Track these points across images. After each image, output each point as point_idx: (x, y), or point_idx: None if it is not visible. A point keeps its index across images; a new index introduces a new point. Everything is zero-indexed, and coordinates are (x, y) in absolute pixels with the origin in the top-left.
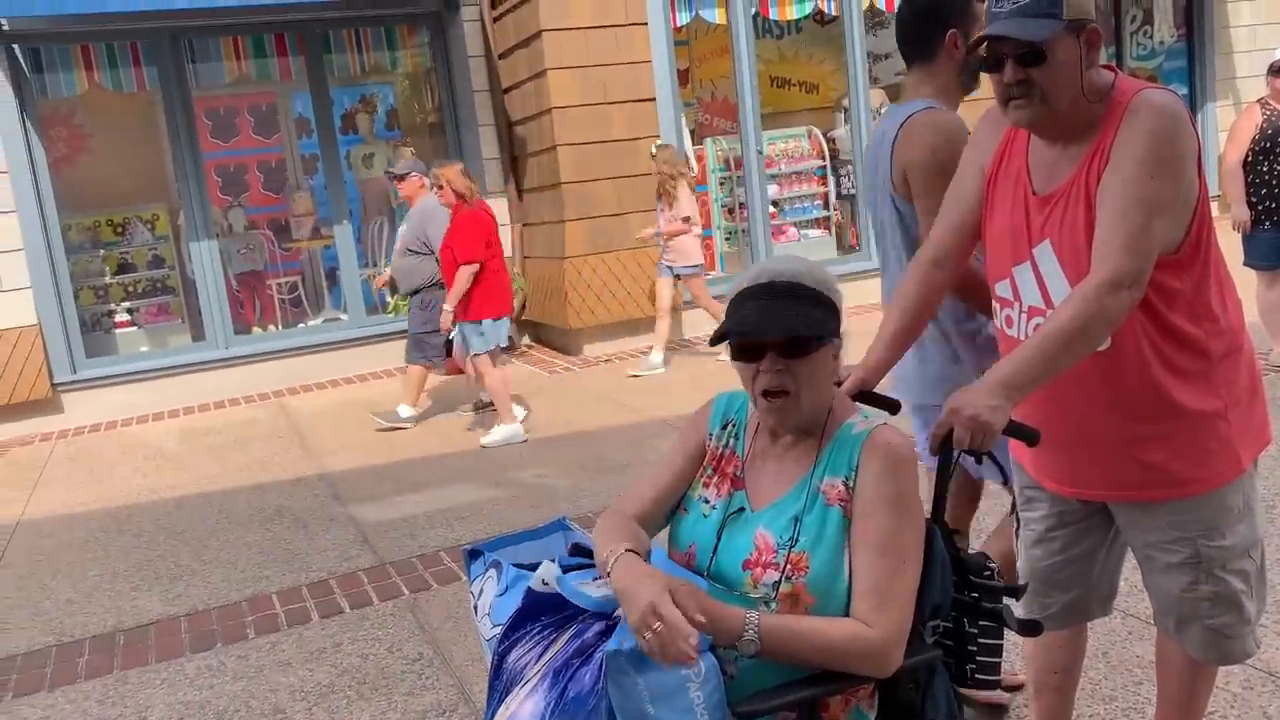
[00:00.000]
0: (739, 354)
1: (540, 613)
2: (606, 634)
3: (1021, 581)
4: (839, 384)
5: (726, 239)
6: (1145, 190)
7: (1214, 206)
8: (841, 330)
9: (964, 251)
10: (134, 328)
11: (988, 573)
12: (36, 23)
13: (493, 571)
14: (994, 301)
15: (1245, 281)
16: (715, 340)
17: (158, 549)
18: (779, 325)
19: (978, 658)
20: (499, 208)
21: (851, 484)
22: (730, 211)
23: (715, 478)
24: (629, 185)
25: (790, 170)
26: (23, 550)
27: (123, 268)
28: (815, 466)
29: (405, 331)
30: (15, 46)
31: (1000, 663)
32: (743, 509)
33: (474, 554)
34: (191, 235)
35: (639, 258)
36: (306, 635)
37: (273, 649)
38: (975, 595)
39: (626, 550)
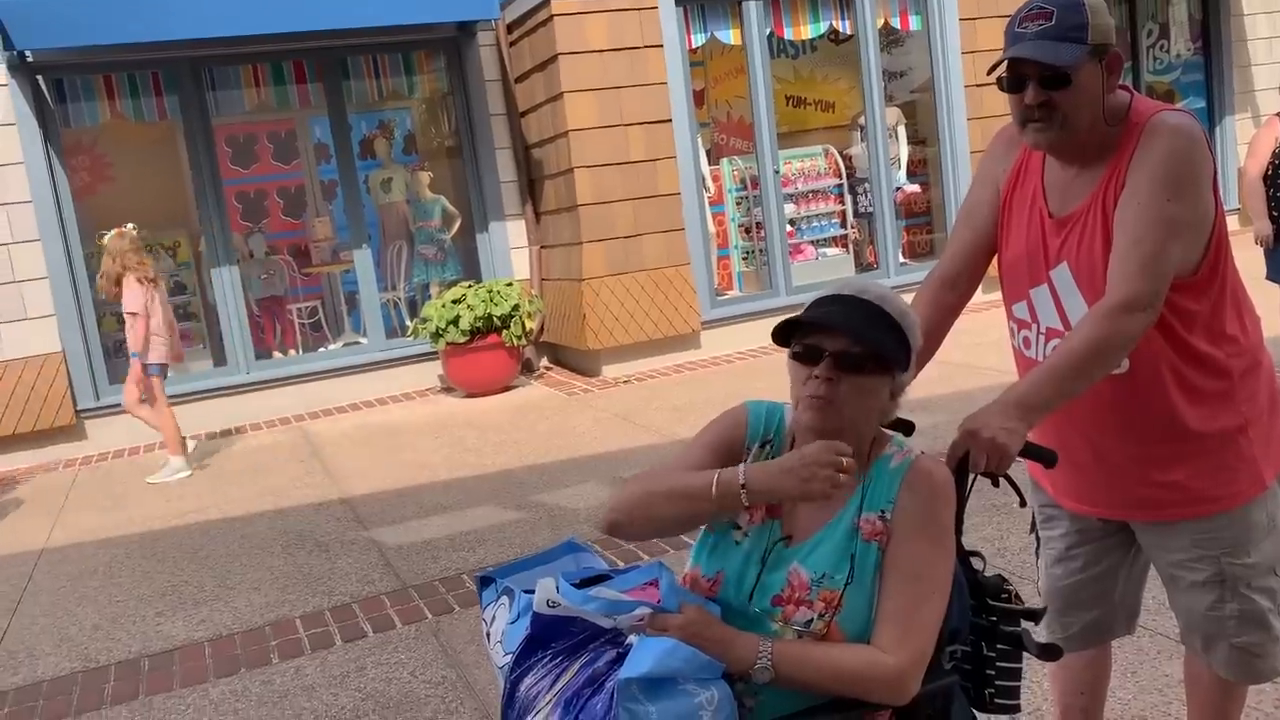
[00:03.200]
0: (801, 354)
1: (551, 639)
2: (619, 662)
3: (1042, 601)
4: None
5: (744, 258)
6: (1162, 212)
7: (1234, 221)
8: (909, 372)
9: (977, 272)
10: None
11: (1005, 595)
12: (60, 54)
13: (504, 599)
14: (1011, 322)
15: (1268, 296)
16: (780, 330)
17: (181, 574)
18: (849, 331)
19: (996, 681)
20: (516, 230)
21: (889, 516)
22: (747, 231)
23: None
24: (646, 206)
25: (807, 189)
26: (48, 576)
27: None
28: (855, 500)
29: (429, 354)
30: (39, 77)
31: (1019, 686)
32: (783, 540)
33: (485, 581)
34: (212, 261)
35: (656, 279)
36: (330, 659)
37: (296, 673)
38: (994, 618)
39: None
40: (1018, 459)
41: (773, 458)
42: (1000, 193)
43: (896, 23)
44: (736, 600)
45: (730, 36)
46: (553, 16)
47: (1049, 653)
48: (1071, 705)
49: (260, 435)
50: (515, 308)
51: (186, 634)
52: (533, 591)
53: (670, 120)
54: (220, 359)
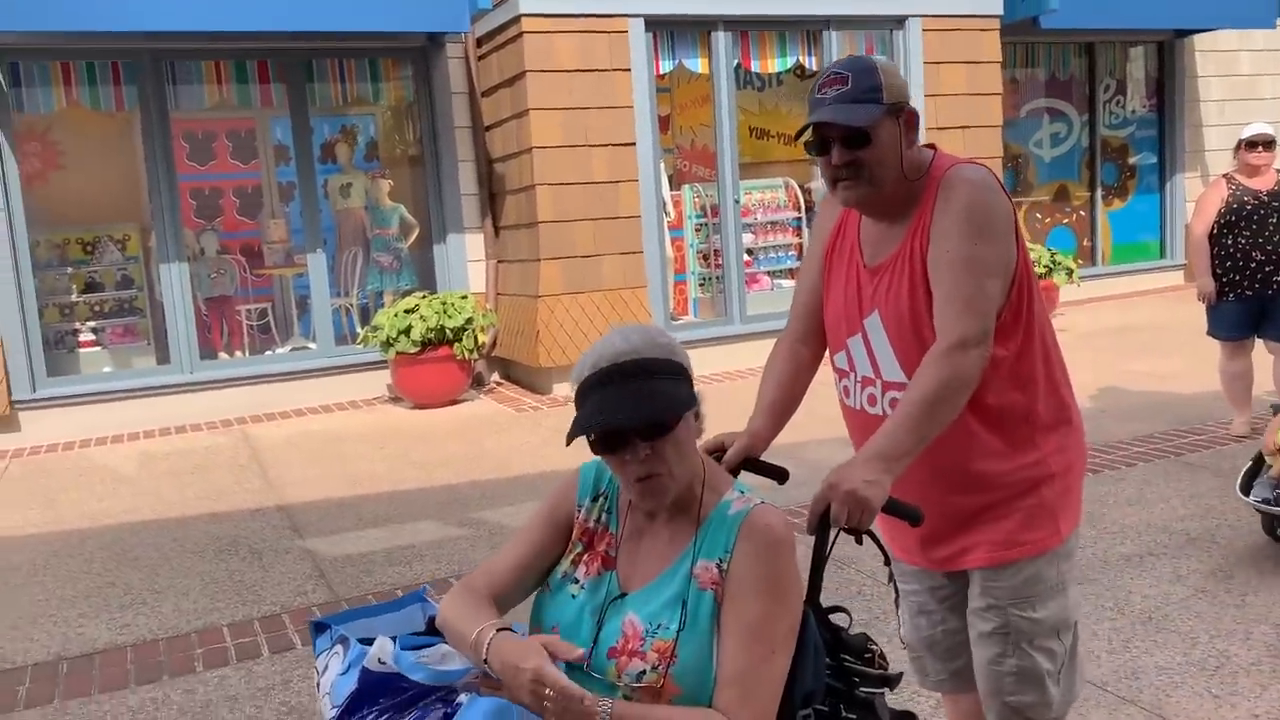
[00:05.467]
0: (601, 448)
1: (379, 694)
2: None
3: (911, 653)
4: (722, 452)
5: (700, 285)
6: (971, 254)
7: (1178, 276)
8: (695, 389)
9: (821, 331)
10: (98, 348)
11: (869, 655)
12: (17, 37)
13: (339, 647)
14: (834, 372)
15: (1209, 351)
16: (571, 438)
17: (108, 575)
18: (635, 413)
19: None
20: (474, 243)
21: (725, 567)
22: (705, 258)
23: (586, 555)
24: (607, 227)
25: (766, 220)
26: None
27: (90, 287)
28: (690, 548)
29: (378, 363)
30: None
31: None
32: (623, 594)
33: (320, 627)
34: (162, 257)
35: (612, 300)
36: (256, 670)
37: (220, 683)
38: (855, 679)
39: (499, 629)
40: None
41: (607, 510)
42: (824, 249)
43: None
44: (592, 659)
45: (698, 65)
46: (523, 34)
47: None
48: None
49: (201, 437)
50: (469, 321)
51: (109, 638)
52: (368, 641)
53: (634, 144)
54: (164, 357)
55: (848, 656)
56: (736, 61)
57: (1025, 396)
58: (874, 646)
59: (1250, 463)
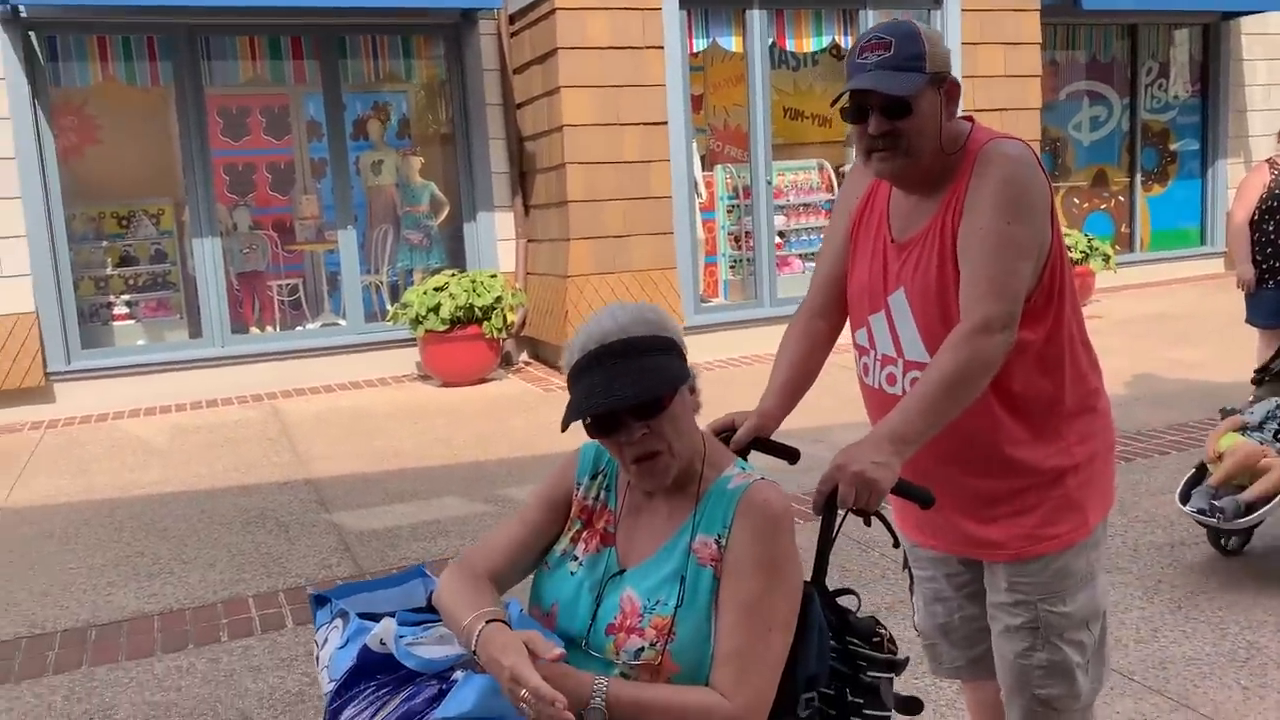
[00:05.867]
0: (596, 431)
1: (376, 671)
2: (438, 700)
3: (924, 640)
4: (733, 432)
5: (731, 267)
6: (1004, 234)
7: (1219, 264)
8: (688, 362)
9: (842, 300)
10: (132, 321)
11: (877, 638)
12: (54, 10)
13: (338, 621)
14: (854, 349)
15: (1246, 339)
16: (565, 424)
17: (138, 545)
18: (626, 392)
19: None
20: (504, 222)
21: (724, 542)
22: (736, 240)
23: (585, 532)
24: (637, 207)
25: (799, 202)
26: (3, 538)
27: (124, 260)
28: (689, 523)
29: (407, 341)
30: (32, 33)
31: None
32: (622, 571)
33: (320, 600)
34: (195, 232)
35: (642, 280)
36: (280, 641)
37: (245, 653)
38: (862, 663)
39: (489, 621)
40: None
41: (606, 488)
42: (851, 220)
43: None
44: (573, 632)
45: (732, 43)
46: (555, 10)
47: (909, 706)
48: None
49: (231, 410)
50: (498, 299)
51: (137, 606)
52: (370, 616)
53: (666, 123)
54: (196, 331)
55: (854, 640)
56: (771, 40)
57: (1051, 383)
58: (882, 630)
59: (1193, 470)
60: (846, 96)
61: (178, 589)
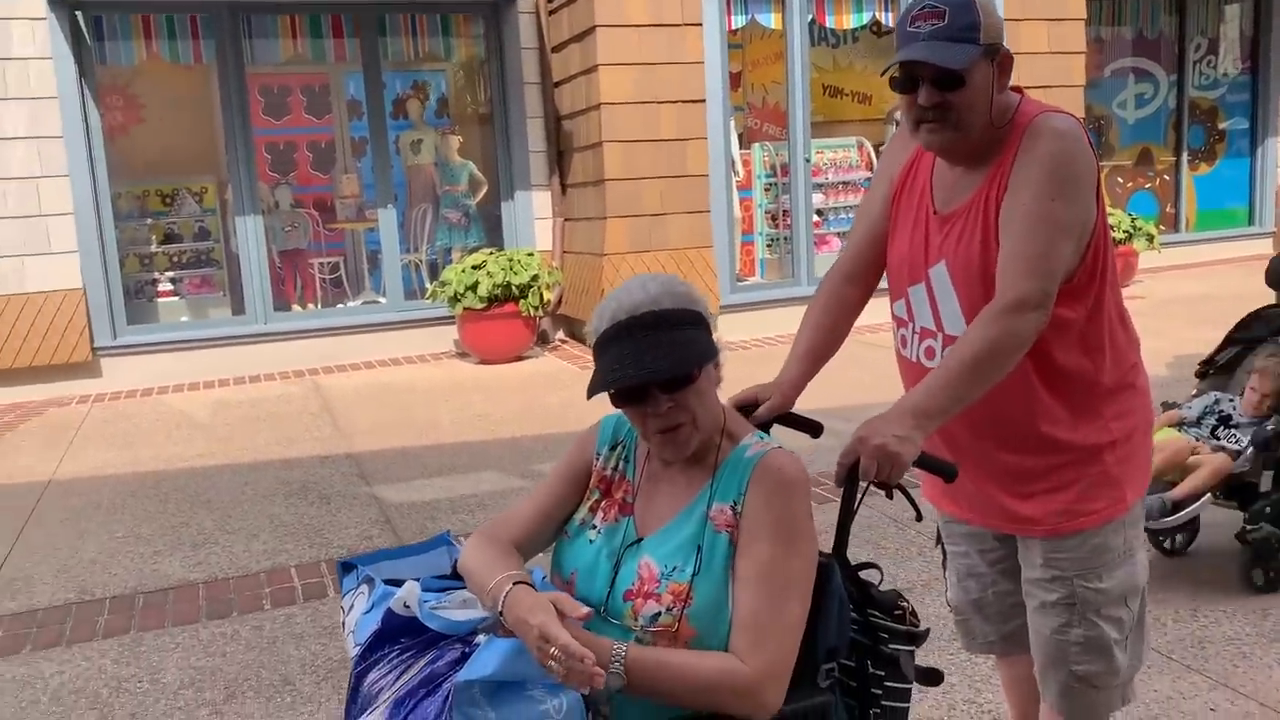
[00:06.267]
0: (621, 401)
1: (400, 634)
2: (462, 662)
3: (957, 615)
4: (755, 406)
5: (768, 245)
6: (1047, 211)
7: (1267, 244)
8: (715, 336)
9: (876, 267)
10: (176, 297)
11: (899, 611)
12: None
13: (364, 587)
14: (892, 320)
15: None
16: (592, 393)
17: (183, 516)
18: (660, 365)
19: (883, 702)
20: (541, 200)
21: (739, 509)
22: (774, 218)
23: (603, 502)
24: (674, 185)
25: (837, 180)
26: (53, 508)
27: (169, 238)
28: (706, 490)
29: (446, 318)
30: (78, 13)
31: (908, 708)
32: (639, 539)
33: (347, 567)
34: (238, 210)
35: (678, 259)
36: (321, 610)
37: (287, 621)
38: (884, 634)
39: (516, 583)
40: (913, 469)
41: (625, 458)
42: (893, 188)
43: None
44: (592, 599)
45: (771, 20)
46: None
47: (929, 678)
48: (1030, 714)
49: (273, 386)
50: (534, 278)
51: (183, 574)
52: (395, 582)
53: (704, 100)
54: (239, 308)
55: (875, 612)
56: (811, 17)
57: (1092, 363)
58: (904, 603)
59: None
60: (896, 66)
61: (222, 558)
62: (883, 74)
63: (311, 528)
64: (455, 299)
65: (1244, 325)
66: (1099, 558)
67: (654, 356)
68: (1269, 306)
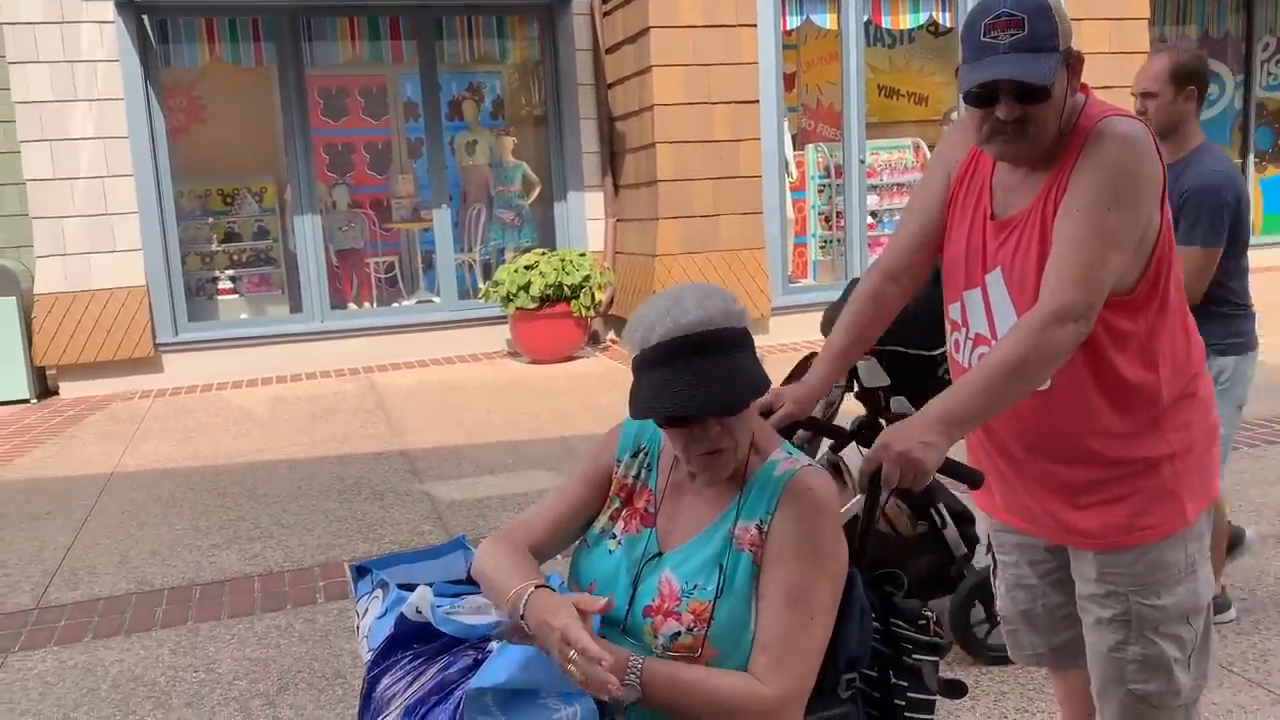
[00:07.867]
0: (668, 423)
1: (413, 640)
2: (473, 670)
3: (1006, 626)
4: (770, 414)
5: (821, 247)
6: (1101, 221)
7: None
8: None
9: (921, 266)
10: (235, 295)
11: (922, 622)
12: None
13: (379, 591)
14: (947, 322)
15: None
16: (641, 415)
17: (240, 509)
18: (725, 399)
19: (906, 713)
20: (594, 201)
21: (766, 528)
22: (827, 220)
23: (624, 511)
24: (727, 187)
25: (892, 181)
26: (115, 500)
27: (229, 237)
28: (732, 508)
29: (498, 318)
30: (144, 17)
31: (932, 719)
32: (661, 553)
33: (362, 571)
34: (296, 209)
35: (730, 260)
36: None
37: (340, 615)
38: (908, 645)
39: (538, 587)
40: (940, 476)
41: (647, 466)
42: (950, 185)
43: None
44: (612, 614)
45: (826, 21)
46: None
47: (952, 690)
48: None
49: (329, 383)
50: (586, 278)
51: (239, 567)
52: (406, 587)
53: (758, 101)
54: (296, 306)
55: (898, 622)
56: (867, 17)
57: (1153, 377)
58: (928, 613)
59: None
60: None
61: (277, 552)
62: (961, 91)
63: (365, 523)
64: (508, 299)
65: None
66: (1156, 573)
67: (717, 387)
68: None
